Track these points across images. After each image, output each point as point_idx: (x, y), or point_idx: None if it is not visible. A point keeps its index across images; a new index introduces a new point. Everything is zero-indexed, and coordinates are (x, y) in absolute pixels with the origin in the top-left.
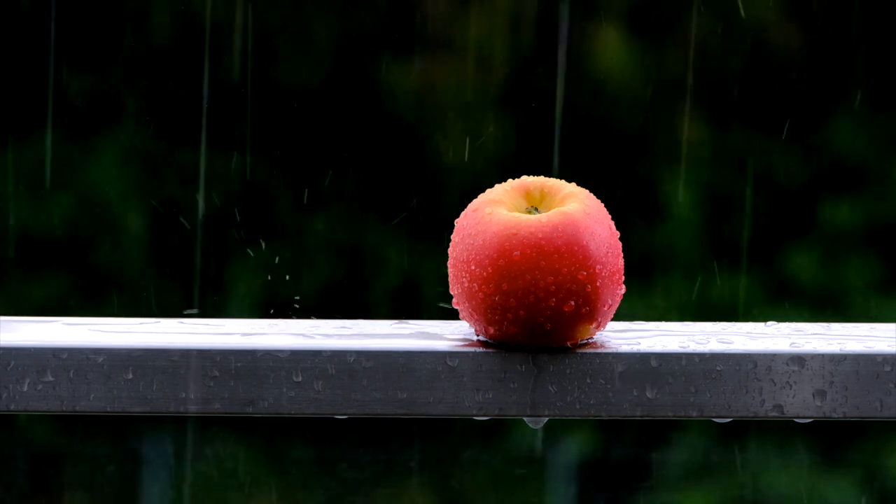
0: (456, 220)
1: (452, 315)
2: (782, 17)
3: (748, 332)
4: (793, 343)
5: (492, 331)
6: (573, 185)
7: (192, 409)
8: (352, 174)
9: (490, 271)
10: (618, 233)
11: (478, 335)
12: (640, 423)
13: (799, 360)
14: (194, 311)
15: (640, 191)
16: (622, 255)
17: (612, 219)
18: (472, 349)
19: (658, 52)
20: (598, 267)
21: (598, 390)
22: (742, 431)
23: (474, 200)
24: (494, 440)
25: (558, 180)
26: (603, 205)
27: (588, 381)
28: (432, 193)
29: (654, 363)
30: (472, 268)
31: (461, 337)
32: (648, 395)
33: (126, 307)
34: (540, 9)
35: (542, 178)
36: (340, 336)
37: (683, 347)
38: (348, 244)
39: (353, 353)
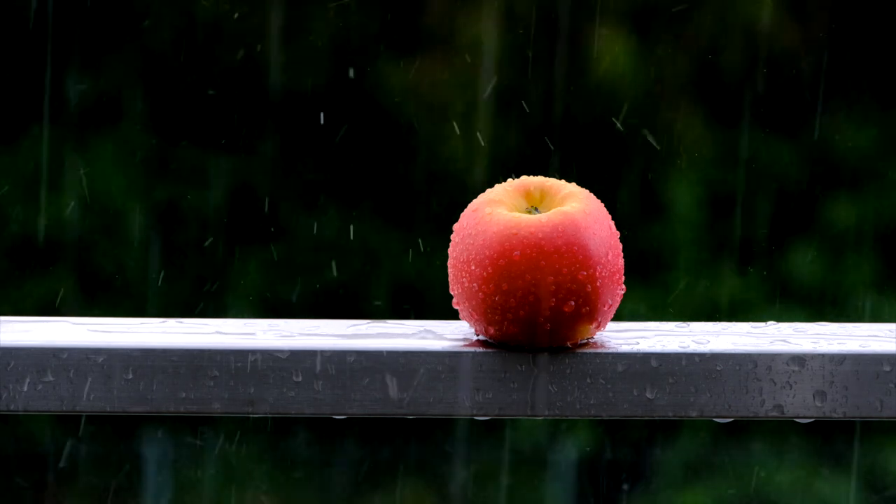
0: (455, 221)
1: (452, 315)
2: (783, 17)
3: (748, 332)
4: (793, 343)
5: (492, 331)
6: (573, 185)
7: (192, 409)
8: (352, 174)
9: (490, 271)
10: (618, 233)
11: (478, 335)
12: (640, 423)
13: (799, 360)
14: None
15: (640, 191)
16: (622, 255)
17: (613, 219)
18: (472, 349)
19: (658, 51)
20: (598, 267)
21: (598, 390)
22: (742, 431)
23: (474, 200)
24: (494, 440)
25: (558, 180)
26: (603, 205)
27: (588, 381)
28: (432, 193)
29: (654, 363)
30: (472, 268)
31: (461, 337)
32: (648, 395)
33: (126, 307)
34: (540, 9)
35: (542, 178)
36: (340, 336)
37: (683, 347)
38: (348, 244)
39: (353, 353)
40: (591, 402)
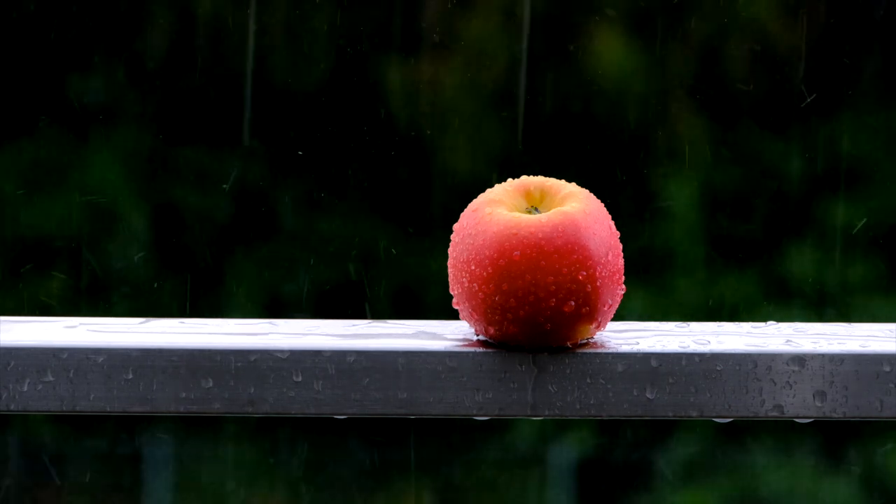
0: (455, 221)
1: (452, 315)
2: (782, 16)
3: (748, 332)
4: (793, 343)
5: (492, 331)
6: (573, 185)
7: (193, 409)
8: (352, 174)
9: (490, 271)
10: (618, 233)
11: (478, 335)
12: (640, 423)
13: (799, 360)
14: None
15: (640, 191)
16: (622, 255)
17: (612, 219)
18: (472, 349)
19: (658, 51)
20: (598, 267)
21: (598, 390)
22: (742, 431)
23: (474, 200)
24: (494, 440)
25: (558, 180)
26: (603, 205)
27: (588, 381)
28: (432, 193)
29: (654, 363)
30: (472, 268)
31: (461, 337)
32: (648, 395)
33: (126, 307)
34: (540, 9)
35: (541, 178)
36: (340, 336)
37: (683, 347)
38: (348, 244)
39: (353, 353)
40: (591, 402)
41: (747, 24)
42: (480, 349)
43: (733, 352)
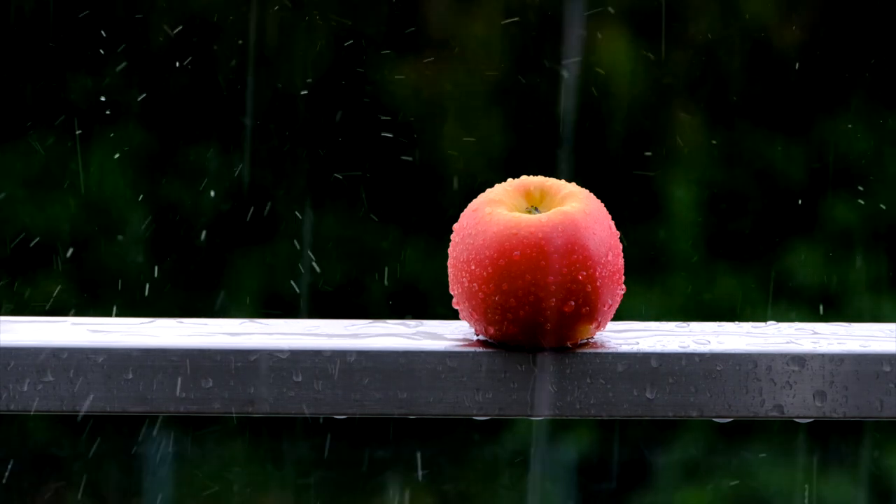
0: (455, 221)
1: (452, 315)
2: (782, 16)
3: (748, 332)
4: (793, 343)
5: (492, 331)
6: (573, 185)
7: (192, 409)
8: (351, 174)
9: (490, 271)
10: (618, 233)
11: (478, 335)
12: (640, 423)
13: (799, 360)
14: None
15: (640, 191)
16: (622, 255)
17: (612, 219)
18: (472, 349)
19: (658, 51)
20: (598, 267)
21: (598, 390)
22: (742, 431)
23: (474, 200)
24: (494, 440)
25: (558, 180)
26: (603, 205)
27: (588, 381)
28: (432, 193)
29: (654, 363)
30: (472, 268)
31: (461, 337)
32: (648, 395)
33: (126, 307)
34: (540, 8)
35: (541, 178)
36: (340, 336)
37: (683, 347)
38: (348, 244)
39: (353, 353)
40: (591, 402)
41: (748, 24)
42: (480, 349)
43: (733, 352)
